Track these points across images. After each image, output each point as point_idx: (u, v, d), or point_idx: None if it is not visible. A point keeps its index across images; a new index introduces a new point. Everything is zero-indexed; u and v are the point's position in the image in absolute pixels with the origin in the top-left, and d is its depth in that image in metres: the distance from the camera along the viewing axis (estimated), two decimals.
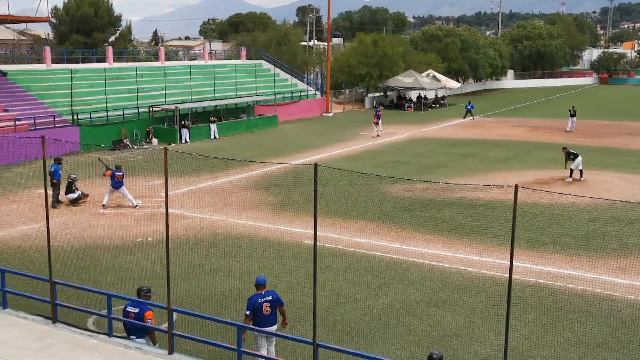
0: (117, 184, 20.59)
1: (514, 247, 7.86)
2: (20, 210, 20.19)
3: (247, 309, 9.81)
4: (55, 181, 20.75)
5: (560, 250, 16.30)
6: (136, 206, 20.58)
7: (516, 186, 7.48)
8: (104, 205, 20.64)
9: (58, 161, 21.30)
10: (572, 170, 25.13)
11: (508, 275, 8.26)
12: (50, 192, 18.64)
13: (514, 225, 7.70)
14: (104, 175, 21.09)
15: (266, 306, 9.82)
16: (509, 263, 7.97)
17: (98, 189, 21.91)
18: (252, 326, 9.78)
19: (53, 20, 54.22)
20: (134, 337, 9.89)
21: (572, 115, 41.33)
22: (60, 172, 21.11)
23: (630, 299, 13.18)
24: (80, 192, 21.20)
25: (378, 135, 38.49)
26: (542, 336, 11.62)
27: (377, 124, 39.19)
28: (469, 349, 11.23)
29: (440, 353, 7.90)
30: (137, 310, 9.72)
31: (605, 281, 14.06)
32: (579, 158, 25.00)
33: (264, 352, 9.74)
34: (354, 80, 58.20)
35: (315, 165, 8.49)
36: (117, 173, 20.59)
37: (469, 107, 49.08)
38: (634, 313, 12.55)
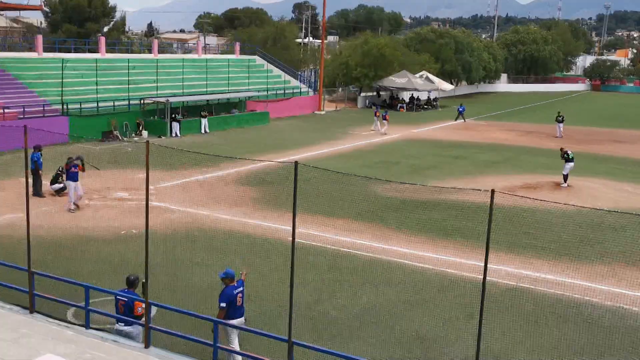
0: (72, 175, 19.32)
1: (489, 250, 7.89)
2: (4, 199, 20.08)
3: (222, 301, 9.90)
4: (40, 171, 20.68)
5: (542, 255, 16.36)
6: (71, 209, 19.28)
7: (492, 191, 7.52)
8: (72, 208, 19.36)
9: (38, 149, 20.97)
10: (564, 176, 25.17)
11: (488, 277, 8.30)
12: (30, 180, 18.41)
13: (489, 229, 7.73)
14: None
15: (239, 297, 10.02)
16: (483, 265, 8.00)
17: (86, 180, 21.78)
18: (228, 321, 9.82)
19: (46, 8, 53.95)
20: (122, 324, 9.96)
21: (559, 121, 41.52)
22: (41, 160, 20.91)
23: (609, 305, 13.26)
24: (64, 184, 21.05)
25: (385, 133, 39.61)
26: (521, 340, 11.66)
27: (386, 120, 40.71)
28: (447, 351, 11.27)
29: None
30: (126, 299, 9.85)
31: (585, 287, 14.13)
32: (571, 164, 25.03)
33: (235, 346, 9.93)
34: (349, 80, 58.23)
35: (296, 163, 8.50)
36: (72, 166, 19.31)
37: (460, 109, 49.20)
38: (613, 319, 12.62)
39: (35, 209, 16.55)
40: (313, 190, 20.65)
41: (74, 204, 19.47)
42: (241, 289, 10.10)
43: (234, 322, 9.90)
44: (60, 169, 21.04)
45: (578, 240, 17.59)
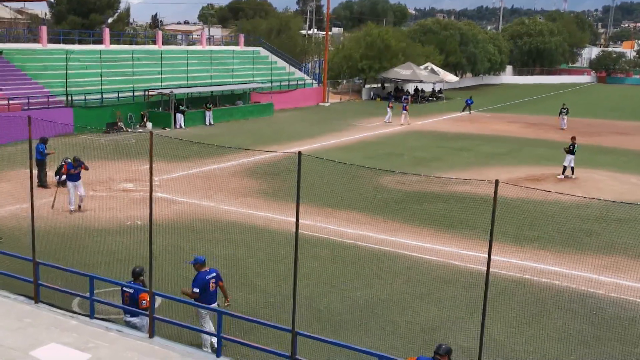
0: (71, 177, 18.54)
1: (492, 241, 7.89)
2: (10, 190, 20.12)
3: (195, 287, 10.03)
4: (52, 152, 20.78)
5: (547, 247, 16.34)
6: (71, 211, 18.37)
7: (497, 181, 7.51)
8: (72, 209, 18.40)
9: (44, 141, 20.94)
10: (564, 168, 25.17)
11: (493, 269, 8.29)
12: (35, 171, 18.29)
13: (493, 220, 7.73)
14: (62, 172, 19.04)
15: (212, 283, 10.17)
16: (487, 256, 7.99)
17: (90, 171, 21.81)
18: (227, 311, 9.91)
19: (50, 0, 53.92)
20: (129, 315, 10.05)
21: (564, 113, 41.37)
22: (46, 151, 20.95)
23: (613, 297, 13.24)
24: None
25: (409, 124, 40.32)
26: (525, 331, 11.66)
27: (406, 110, 41.30)
28: (451, 342, 11.22)
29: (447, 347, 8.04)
30: (131, 291, 9.92)
31: (590, 279, 14.11)
32: (572, 156, 25.00)
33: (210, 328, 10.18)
34: (354, 72, 58.05)
35: (299, 153, 8.50)
36: (70, 167, 18.53)
37: (469, 101, 49.05)
38: (616, 311, 12.61)
39: (40, 200, 16.60)
40: (317, 181, 20.67)
41: (73, 205, 18.51)
42: (214, 274, 10.23)
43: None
44: (64, 161, 21.01)
45: (582, 231, 17.56)
